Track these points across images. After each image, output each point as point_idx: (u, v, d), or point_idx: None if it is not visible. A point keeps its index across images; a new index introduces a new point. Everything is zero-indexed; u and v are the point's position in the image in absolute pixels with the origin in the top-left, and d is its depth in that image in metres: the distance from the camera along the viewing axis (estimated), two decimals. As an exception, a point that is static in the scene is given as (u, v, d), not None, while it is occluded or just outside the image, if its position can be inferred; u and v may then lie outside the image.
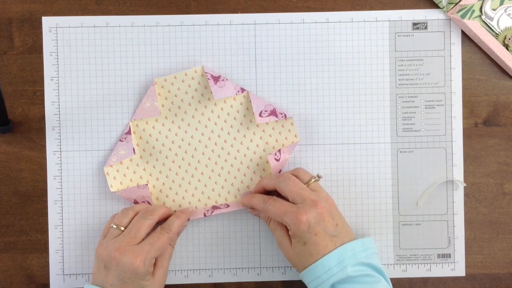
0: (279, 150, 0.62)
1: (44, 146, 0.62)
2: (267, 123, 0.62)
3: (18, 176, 0.62)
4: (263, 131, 0.62)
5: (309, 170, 0.62)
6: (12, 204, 0.62)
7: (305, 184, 0.57)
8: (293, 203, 0.56)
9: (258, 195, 0.59)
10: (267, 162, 0.62)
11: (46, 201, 0.62)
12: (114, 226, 0.57)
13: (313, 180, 0.58)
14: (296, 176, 0.58)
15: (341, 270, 0.53)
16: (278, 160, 0.61)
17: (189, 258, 0.63)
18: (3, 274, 0.62)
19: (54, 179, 0.62)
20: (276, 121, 0.62)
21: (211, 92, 0.61)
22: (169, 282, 0.62)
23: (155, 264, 0.57)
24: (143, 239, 0.56)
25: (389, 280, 0.56)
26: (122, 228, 0.57)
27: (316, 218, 0.54)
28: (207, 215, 0.61)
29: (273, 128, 0.62)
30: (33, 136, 0.62)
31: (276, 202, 0.56)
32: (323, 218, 0.54)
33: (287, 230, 0.57)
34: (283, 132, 0.62)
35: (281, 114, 0.61)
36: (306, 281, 0.55)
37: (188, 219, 0.61)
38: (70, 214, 0.62)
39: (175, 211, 0.61)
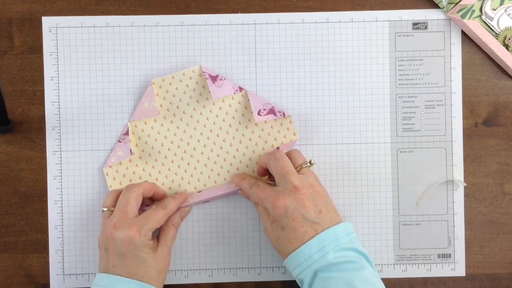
0: (278, 148, 0.62)
1: (44, 146, 0.62)
2: (265, 121, 0.62)
3: (18, 176, 0.62)
4: (262, 129, 0.62)
5: (309, 170, 0.62)
6: (12, 204, 0.62)
7: (296, 167, 0.56)
8: (278, 184, 0.55)
9: (247, 178, 0.59)
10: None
11: (46, 201, 0.62)
12: (105, 209, 0.58)
13: (304, 166, 0.57)
14: (289, 157, 0.57)
15: (322, 257, 0.51)
16: None
17: (189, 258, 0.63)
18: (3, 274, 0.62)
19: (54, 179, 0.62)
20: (275, 119, 0.62)
21: (209, 92, 0.61)
22: (169, 282, 0.62)
23: (157, 241, 0.57)
24: (136, 216, 0.56)
25: (374, 264, 0.55)
26: (112, 209, 0.57)
27: (294, 203, 0.53)
28: (200, 192, 0.61)
29: (271, 127, 0.62)
30: (33, 136, 0.62)
31: (259, 187, 0.56)
32: (303, 204, 0.53)
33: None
34: (281, 131, 0.62)
35: (280, 112, 0.61)
36: (289, 269, 0.54)
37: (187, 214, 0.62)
38: (70, 214, 0.62)
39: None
